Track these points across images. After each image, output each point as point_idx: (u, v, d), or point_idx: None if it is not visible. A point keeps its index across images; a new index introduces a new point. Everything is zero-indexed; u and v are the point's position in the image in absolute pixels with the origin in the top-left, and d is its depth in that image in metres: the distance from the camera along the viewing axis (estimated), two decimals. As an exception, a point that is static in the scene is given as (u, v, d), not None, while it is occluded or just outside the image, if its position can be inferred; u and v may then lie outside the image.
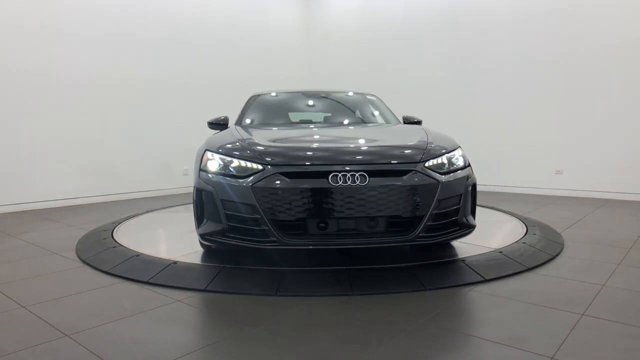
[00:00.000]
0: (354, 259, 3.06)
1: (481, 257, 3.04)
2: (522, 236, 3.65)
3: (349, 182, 2.56)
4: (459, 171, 2.86)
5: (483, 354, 1.83)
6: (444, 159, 2.84)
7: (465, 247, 3.36)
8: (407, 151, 2.86)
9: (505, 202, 5.84)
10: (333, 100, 4.49)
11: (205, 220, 2.84)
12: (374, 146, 3.02)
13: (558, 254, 3.31)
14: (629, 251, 3.42)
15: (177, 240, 3.81)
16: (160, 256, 3.18)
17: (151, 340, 2.00)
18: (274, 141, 3.12)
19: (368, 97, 4.52)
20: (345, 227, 2.61)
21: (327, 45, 9.02)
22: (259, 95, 4.58)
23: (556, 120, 6.57)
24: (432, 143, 2.97)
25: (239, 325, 2.14)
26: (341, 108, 4.39)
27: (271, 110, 4.36)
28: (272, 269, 2.85)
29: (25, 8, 5.51)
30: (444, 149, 2.94)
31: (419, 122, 4.05)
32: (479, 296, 2.48)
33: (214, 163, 2.88)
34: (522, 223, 4.19)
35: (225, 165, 2.80)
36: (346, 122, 4.18)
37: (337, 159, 2.71)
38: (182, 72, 7.13)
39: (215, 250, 3.29)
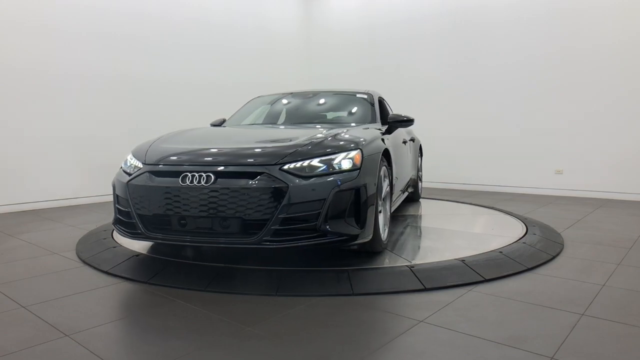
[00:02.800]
0: (355, 259, 3.06)
1: (481, 257, 3.04)
2: (522, 236, 3.65)
3: (195, 183, 2.66)
4: (332, 175, 2.66)
5: (483, 354, 1.83)
6: (312, 162, 2.69)
7: (465, 247, 3.36)
8: (267, 153, 2.79)
9: (505, 202, 5.84)
10: (317, 100, 4.52)
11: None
12: (238, 148, 2.95)
13: (558, 254, 3.31)
14: (629, 251, 3.42)
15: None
16: (160, 256, 3.18)
17: (151, 340, 2.00)
18: (173, 142, 3.27)
19: (358, 95, 4.45)
20: (202, 226, 2.69)
21: (327, 45, 9.02)
22: (258, 97, 4.83)
23: (556, 120, 6.57)
24: (309, 145, 2.84)
25: (238, 325, 2.14)
26: (319, 108, 4.43)
27: (257, 111, 4.64)
28: (272, 269, 2.85)
29: (24, 7, 5.51)
30: (320, 152, 2.78)
31: (407, 121, 3.94)
32: (479, 296, 2.48)
33: (125, 162, 3.18)
34: (522, 223, 4.19)
35: (125, 164, 3.13)
36: (305, 121, 4.20)
37: (193, 160, 2.85)
38: (183, 73, 7.12)
39: (215, 250, 3.29)
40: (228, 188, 2.60)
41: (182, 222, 2.71)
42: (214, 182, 2.64)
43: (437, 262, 2.95)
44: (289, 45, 8.90)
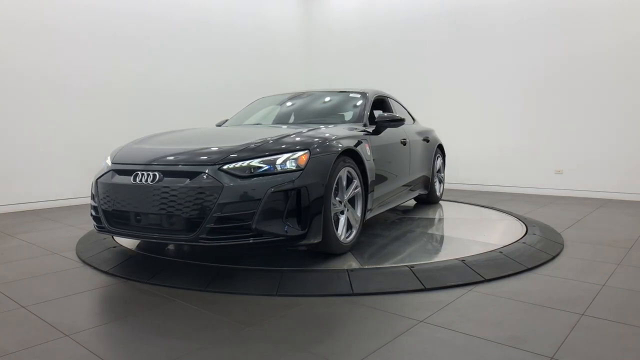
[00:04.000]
0: (356, 259, 3.06)
1: (481, 257, 3.04)
2: (522, 236, 3.65)
3: (143, 181, 2.80)
4: (271, 176, 2.68)
5: (483, 354, 1.83)
6: (253, 163, 2.73)
7: (465, 247, 3.36)
8: (211, 153, 2.85)
9: (505, 202, 5.84)
10: (310, 100, 4.54)
11: None
12: (188, 149, 3.02)
13: (558, 254, 3.31)
14: (629, 251, 3.42)
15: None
16: (160, 256, 3.18)
17: (151, 340, 2.00)
18: (143, 143, 3.42)
19: (351, 95, 4.42)
20: (154, 222, 2.80)
21: (327, 45, 9.03)
22: (262, 97, 4.88)
23: (556, 120, 6.57)
24: (255, 146, 2.87)
25: (238, 325, 2.14)
26: (309, 108, 4.44)
27: (255, 111, 4.69)
28: (272, 269, 2.85)
29: (23, 8, 5.51)
30: (264, 152, 2.81)
31: (396, 121, 3.90)
32: (479, 296, 2.48)
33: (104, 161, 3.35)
34: (522, 223, 4.19)
35: (103, 163, 3.32)
36: (292, 121, 4.29)
37: (144, 160, 2.99)
38: (182, 73, 7.13)
39: (215, 250, 3.29)
40: (170, 187, 2.71)
41: (137, 218, 2.85)
42: (159, 181, 2.76)
43: (437, 262, 2.95)
44: (289, 45, 8.90)
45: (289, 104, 4.64)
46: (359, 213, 3.31)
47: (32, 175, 5.63)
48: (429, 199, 5.38)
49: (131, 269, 2.98)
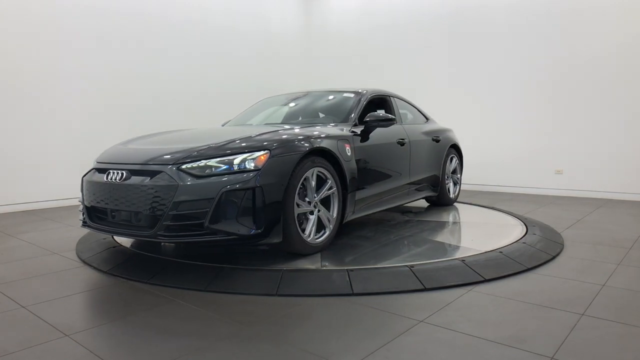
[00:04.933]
0: (357, 259, 3.06)
1: (481, 257, 3.04)
2: (522, 236, 3.64)
3: (112, 179, 2.95)
4: (226, 176, 2.73)
5: (483, 354, 1.83)
6: (210, 162, 2.79)
7: (465, 247, 3.36)
8: (172, 152, 2.94)
9: (505, 202, 5.84)
10: (307, 101, 4.54)
11: None
12: (155, 149, 3.14)
13: (558, 254, 3.31)
14: (629, 251, 3.42)
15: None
16: (160, 256, 3.18)
17: (151, 340, 2.00)
18: (126, 144, 3.53)
19: (345, 94, 4.36)
20: (124, 219, 2.94)
21: (327, 46, 9.03)
22: (267, 98, 4.95)
23: (556, 120, 6.57)
24: (215, 146, 2.92)
25: (238, 325, 2.14)
26: (300, 108, 4.48)
27: (254, 111, 4.73)
28: (272, 269, 2.85)
29: (24, 8, 5.51)
30: (222, 152, 2.86)
31: (384, 120, 3.86)
32: (479, 296, 2.48)
33: None
34: (522, 223, 4.19)
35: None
36: (282, 121, 4.33)
37: (116, 159, 3.15)
38: (183, 74, 7.12)
39: (215, 250, 3.30)
40: (133, 185, 2.84)
41: (113, 214, 2.99)
42: (126, 179, 2.89)
43: (437, 262, 2.95)
44: (289, 46, 8.89)
45: (287, 104, 4.64)
46: (334, 214, 3.28)
47: (32, 175, 5.63)
48: (439, 200, 5.19)
49: (131, 269, 2.98)
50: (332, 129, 3.56)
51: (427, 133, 4.90)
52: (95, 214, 3.13)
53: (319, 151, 3.16)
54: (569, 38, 6.39)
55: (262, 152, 2.86)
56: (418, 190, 4.68)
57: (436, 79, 7.65)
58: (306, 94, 4.67)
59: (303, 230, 3.04)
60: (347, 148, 3.47)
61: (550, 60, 6.56)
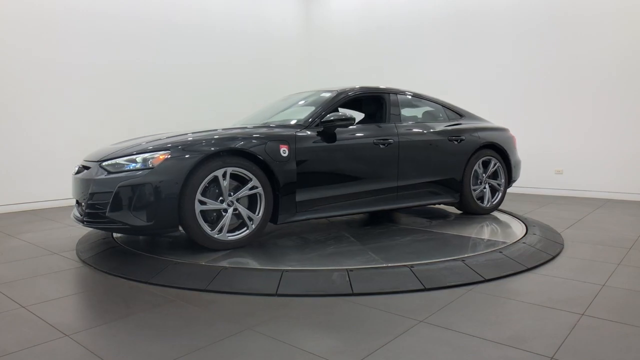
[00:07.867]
0: (355, 259, 3.05)
1: (481, 257, 3.04)
2: (522, 236, 3.64)
3: (74, 174, 3.42)
4: (125, 172, 3.07)
5: (483, 354, 1.83)
6: (119, 160, 3.16)
7: (465, 247, 3.36)
8: (105, 150, 3.40)
9: (505, 202, 5.83)
10: (289, 102, 4.52)
11: None
12: (109, 148, 3.49)
13: (558, 254, 3.32)
14: (629, 251, 3.42)
15: (177, 240, 3.81)
16: (160, 256, 3.18)
17: (151, 340, 2.00)
18: (117, 143, 3.72)
19: (322, 94, 4.24)
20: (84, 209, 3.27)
21: (327, 47, 9.02)
22: (291, 95, 4.92)
23: (556, 121, 6.57)
24: (133, 146, 3.29)
25: (239, 325, 2.14)
26: (286, 109, 4.44)
27: (254, 112, 4.76)
28: (272, 269, 2.85)
29: (24, 8, 5.51)
30: (131, 152, 3.19)
31: (343, 120, 3.70)
32: (479, 296, 2.48)
33: None
34: (522, 223, 4.19)
35: None
36: (260, 122, 4.22)
37: (86, 156, 3.54)
38: (182, 75, 7.12)
39: (215, 250, 3.30)
40: (79, 178, 3.29)
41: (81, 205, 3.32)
42: (78, 173, 3.36)
43: (437, 262, 2.95)
44: (289, 47, 8.88)
45: (287, 104, 4.57)
46: (259, 214, 3.33)
47: (32, 175, 5.63)
48: (463, 208, 4.57)
49: (131, 269, 2.98)
50: (273, 130, 3.54)
51: (441, 133, 4.39)
52: (79, 208, 3.41)
53: (237, 151, 3.26)
54: (570, 39, 6.39)
55: (162, 152, 3.12)
56: (418, 195, 4.22)
57: (436, 79, 7.64)
58: (309, 94, 4.60)
59: (220, 227, 3.22)
60: (283, 149, 3.42)
61: (550, 62, 6.55)
